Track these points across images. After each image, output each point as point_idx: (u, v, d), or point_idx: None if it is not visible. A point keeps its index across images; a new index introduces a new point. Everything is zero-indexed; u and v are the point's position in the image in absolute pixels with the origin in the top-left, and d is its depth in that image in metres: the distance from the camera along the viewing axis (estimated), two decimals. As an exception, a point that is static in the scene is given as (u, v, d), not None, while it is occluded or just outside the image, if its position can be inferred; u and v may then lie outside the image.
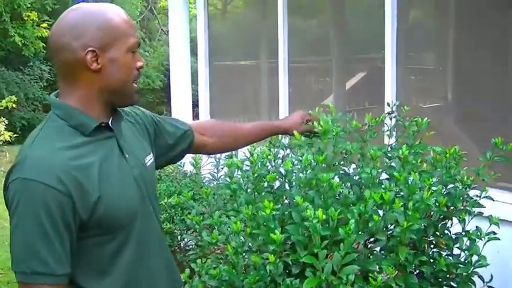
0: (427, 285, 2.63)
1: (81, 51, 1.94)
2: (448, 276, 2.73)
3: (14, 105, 13.83)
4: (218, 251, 2.84)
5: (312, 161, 2.64)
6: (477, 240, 2.72)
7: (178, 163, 4.64)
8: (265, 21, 6.76)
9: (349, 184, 2.78)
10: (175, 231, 4.46)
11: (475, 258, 2.73)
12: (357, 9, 6.02)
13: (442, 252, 2.72)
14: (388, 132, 3.00)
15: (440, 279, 2.75)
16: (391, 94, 4.74)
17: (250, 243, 2.67)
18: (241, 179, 2.88)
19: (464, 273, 2.69)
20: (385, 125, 3.05)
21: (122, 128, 2.13)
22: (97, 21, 1.97)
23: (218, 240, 2.79)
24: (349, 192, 2.60)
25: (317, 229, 2.35)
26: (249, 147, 3.02)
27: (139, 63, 2.06)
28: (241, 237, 2.67)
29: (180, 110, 7.50)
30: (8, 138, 13.16)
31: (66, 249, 1.87)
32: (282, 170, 2.84)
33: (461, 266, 2.68)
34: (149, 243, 2.11)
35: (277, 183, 2.88)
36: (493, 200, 2.82)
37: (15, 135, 13.48)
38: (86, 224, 1.90)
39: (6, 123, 13.55)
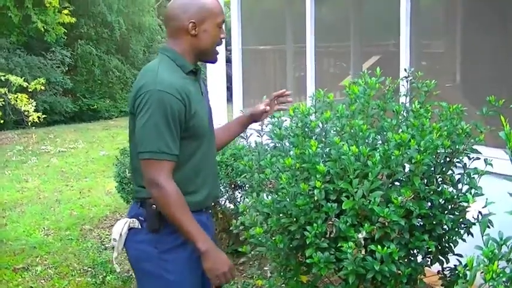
0: (436, 211, 3.35)
1: (186, 21, 2.93)
2: (453, 206, 3.44)
3: (42, 88, 14.45)
4: (270, 185, 3.57)
5: (347, 111, 3.41)
6: (476, 176, 3.42)
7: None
8: (293, 10, 7.52)
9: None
10: (220, 184, 5.20)
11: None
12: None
13: (446, 186, 3.44)
14: (405, 93, 3.75)
15: (446, 210, 3.46)
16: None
17: (298, 177, 3.39)
18: (288, 129, 3.63)
19: (465, 203, 3.39)
20: (402, 87, 3.80)
21: (200, 79, 3.12)
22: (199, 3, 2.96)
23: (269, 177, 3.54)
24: (375, 136, 3.35)
25: (351, 161, 3.10)
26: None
27: (222, 35, 3.04)
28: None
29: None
30: (37, 119, 13.84)
31: (178, 138, 2.84)
32: (319, 122, 3.58)
33: (462, 195, 3.38)
34: (211, 154, 3.15)
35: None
36: (486, 146, 3.52)
37: (44, 115, 14.14)
38: (185, 126, 2.86)
39: (34, 105, 14.21)
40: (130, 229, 3.00)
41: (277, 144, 3.81)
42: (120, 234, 2.99)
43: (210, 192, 3.09)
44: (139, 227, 2.98)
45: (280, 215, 3.42)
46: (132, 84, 3.04)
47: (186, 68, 2.96)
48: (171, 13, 2.99)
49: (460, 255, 3.46)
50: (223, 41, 3.11)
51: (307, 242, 3.21)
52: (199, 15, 2.94)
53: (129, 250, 3.04)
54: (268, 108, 3.46)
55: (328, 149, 3.44)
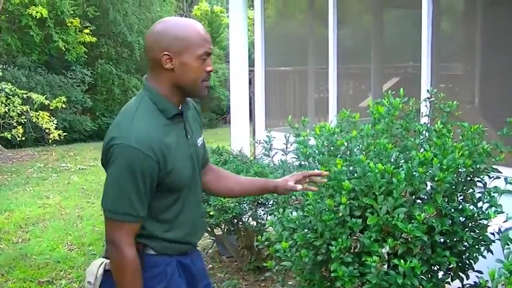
0: (457, 227, 3.45)
1: (160, 53, 2.55)
2: (474, 224, 3.54)
3: (63, 106, 14.71)
4: (296, 202, 3.69)
5: (372, 131, 3.53)
6: (496, 195, 3.53)
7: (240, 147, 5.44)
8: (315, 33, 7.70)
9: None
10: (243, 202, 5.31)
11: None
12: (395, 23, 6.95)
13: (467, 204, 3.55)
14: (427, 113, 3.87)
15: (467, 227, 3.56)
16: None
17: (323, 193, 3.51)
18: (313, 147, 3.75)
19: (485, 221, 3.50)
20: (425, 107, 3.93)
21: (188, 114, 2.78)
22: (175, 32, 2.57)
23: (295, 194, 3.66)
24: (399, 155, 3.47)
25: (377, 179, 3.22)
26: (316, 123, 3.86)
27: (208, 68, 2.63)
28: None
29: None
30: (57, 137, 14.07)
31: (148, 199, 2.58)
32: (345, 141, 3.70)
33: (482, 213, 3.49)
34: (192, 201, 2.80)
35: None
36: (506, 165, 3.62)
37: (65, 133, 14.36)
38: (160, 184, 2.59)
39: (55, 122, 14.45)
40: (106, 271, 2.69)
41: (302, 162, 3.93)
42: (96, 277, 2.71)
43: (191, 236, 2.86)
44: None
45: (306, 230, 3.54)
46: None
47: (169, 113, 2.64)
48: (146, 43, 2.65)
49: (480, 272, 3.56)
50: (211, 74, 2.68)
51: (332, 257, 3.32)
52: (174, 46, 2.56)
53: None
54: (299, 188, 3.00)
55: (352, 166, 3.56)
